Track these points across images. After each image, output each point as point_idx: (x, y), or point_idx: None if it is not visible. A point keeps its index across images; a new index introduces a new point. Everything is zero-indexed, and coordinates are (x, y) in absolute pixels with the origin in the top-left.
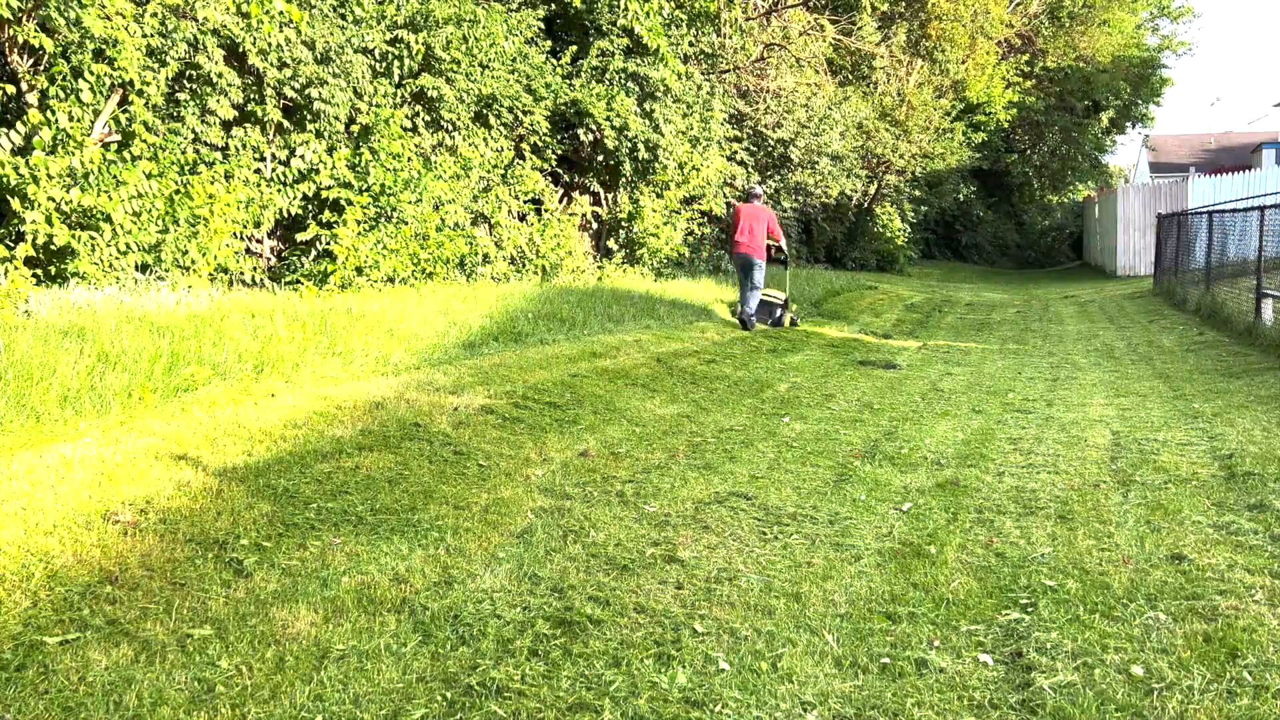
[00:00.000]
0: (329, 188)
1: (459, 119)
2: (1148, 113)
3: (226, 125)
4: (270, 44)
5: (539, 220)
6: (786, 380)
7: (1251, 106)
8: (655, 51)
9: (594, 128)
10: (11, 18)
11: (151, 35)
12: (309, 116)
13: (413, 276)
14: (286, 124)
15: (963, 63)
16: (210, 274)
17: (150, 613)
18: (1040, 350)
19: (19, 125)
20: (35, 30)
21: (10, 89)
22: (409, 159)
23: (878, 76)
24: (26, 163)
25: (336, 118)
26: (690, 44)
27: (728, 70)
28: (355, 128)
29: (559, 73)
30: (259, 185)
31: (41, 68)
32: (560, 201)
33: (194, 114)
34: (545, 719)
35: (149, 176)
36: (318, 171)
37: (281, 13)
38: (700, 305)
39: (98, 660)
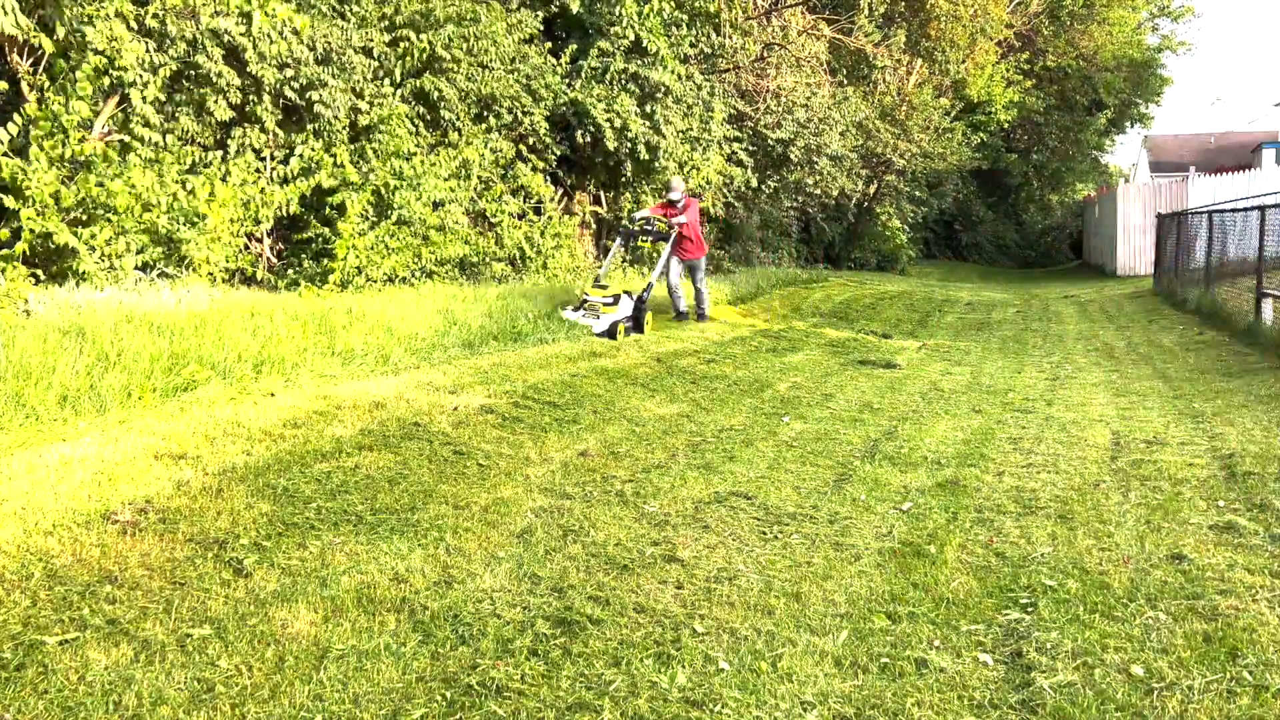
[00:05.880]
0: (331, 191)
1: (459, 119)
2: (1147, 113)
3: (226, 125)
4: (270, 51)
5: (539, 220)
6: (786, 380)
7: (1251, 106)
8: (655, 53)
9: (593, 129)
10: (18, 35)
11: (153, 41)
12: (309, 116)
13: (412, 276)
14: (286, 123)
15: (963, 62)
16: (210, 273)
17: (150, 612)
18: (1040, 350)
19: (16, 118)
20: (35, 30)
21: (4, 86)
22: (410, 156)
23: (877, 76)
24: (25, 160)
25: (336, 117)
26: (690, 44)
27: (728, 70)
28: (349, 124)
29: (559, 73)
30: (258, 184)
31: (41, 67)
32: (560, 201)
33: (189, 116)
34: (545, 719)
35: (146, 171)
36: (317, 170)
37: (287, 22)
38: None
39: (97, 660)
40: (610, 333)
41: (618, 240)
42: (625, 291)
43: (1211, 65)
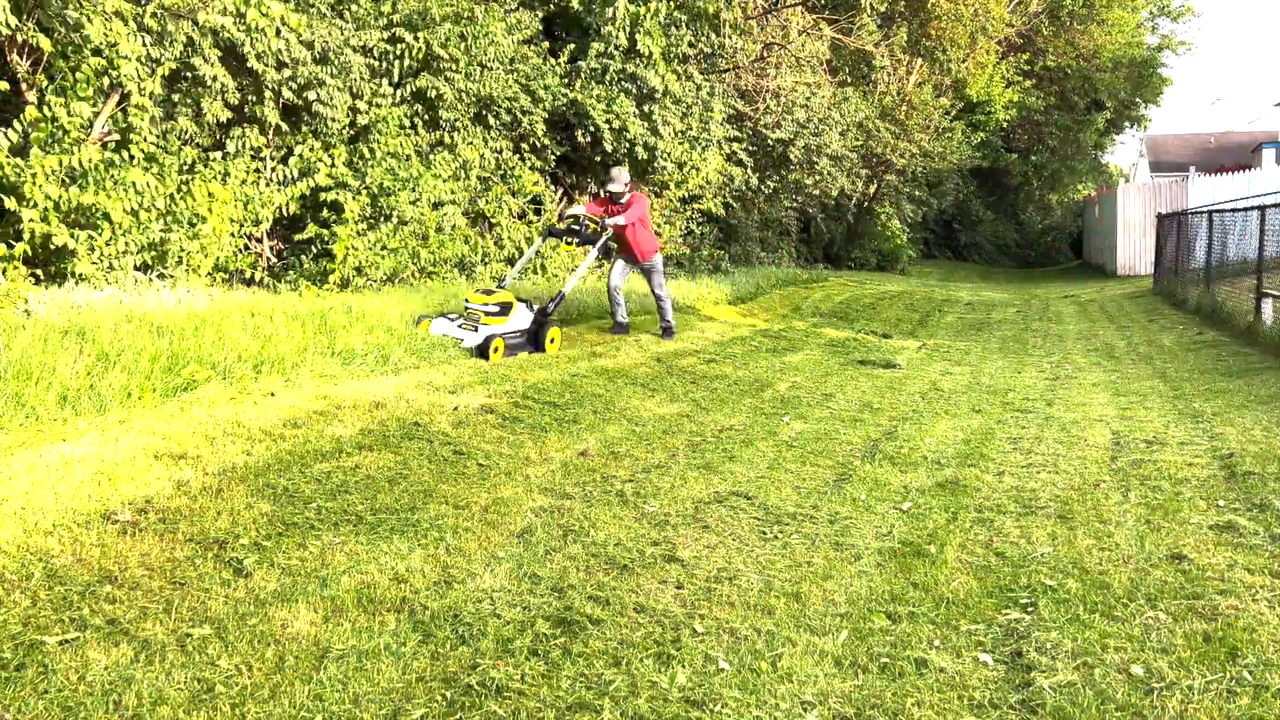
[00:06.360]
0: (328, 189)
1: (458, 119)
2: (1145, 115)
3: (224, 125)
4: (269, 48)
5: (539, 220)
6: (786, 380)
7: (1251, 106)
8: (649, 56)
9: (592, 129)
10: (10, 32)
11: (151, 43)
12: (307, 116)
13: (412, 276)
14: (285, 123)
15: (963, 62)
16: (210, 273)
17: (150, 612)
18: (1040, 350)
19: (15, 123)
20: (34, 30)
21: (5, 86)
22: (408, 157)
23: (878, 76)
24: (25, 160)
25: (334, 118)
26: (690, 44)
27: (727, 70)
28: (349, 125)
29: (557, 73)
30: (257, 184)
31: (40, 67)
32: (560, 202)
33: (188, 116)
34: (545, 719)
35: (146, 171)
36: (316, 171)
37: (282, 19)
38: (700, 304)
39: (97, 660)
40: (483, 351)
41: (538, 240)
42: (522, 299)
43: (1211, 65)
